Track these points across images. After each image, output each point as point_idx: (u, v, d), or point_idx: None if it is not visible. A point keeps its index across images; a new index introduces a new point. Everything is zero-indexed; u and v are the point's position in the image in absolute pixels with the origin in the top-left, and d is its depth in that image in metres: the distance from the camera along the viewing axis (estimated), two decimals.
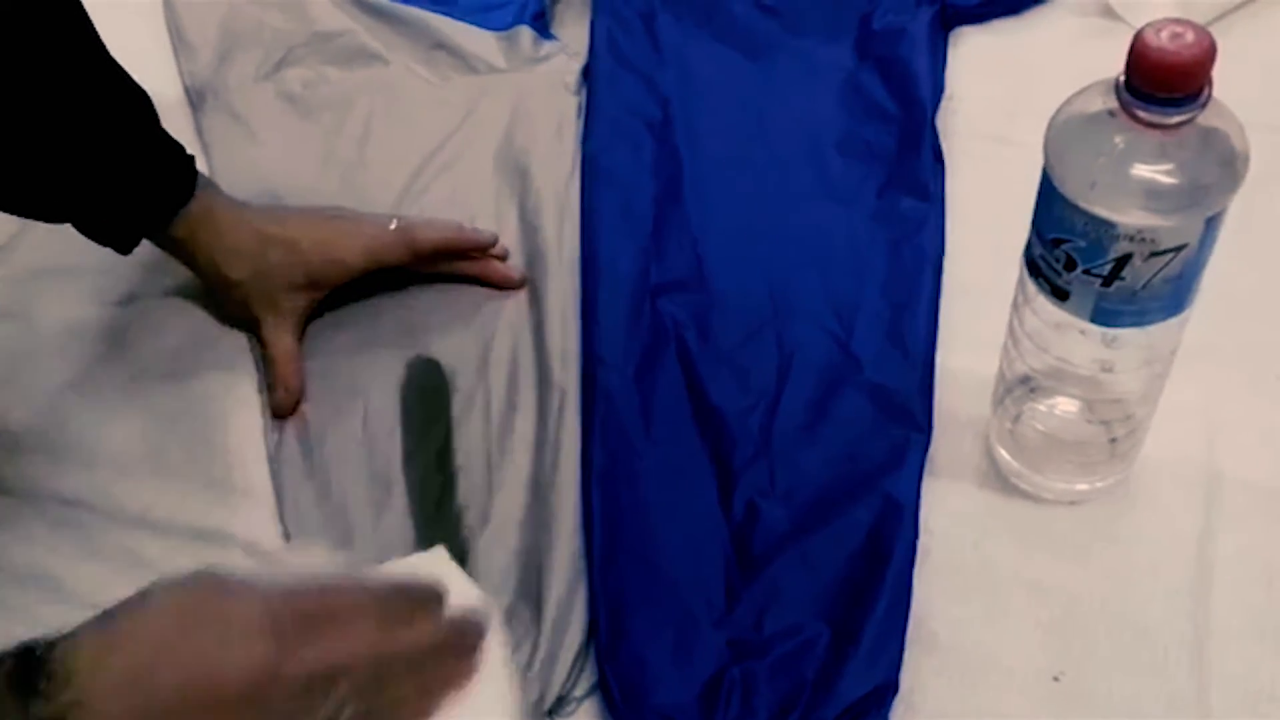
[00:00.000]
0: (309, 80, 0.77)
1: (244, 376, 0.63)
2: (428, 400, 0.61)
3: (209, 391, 0.63)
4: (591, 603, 0.53)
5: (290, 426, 0.61)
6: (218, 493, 0.58)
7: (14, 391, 0.63)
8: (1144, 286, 0.45)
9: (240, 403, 0.62)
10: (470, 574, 0.48)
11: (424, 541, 0.55)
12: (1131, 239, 0.43)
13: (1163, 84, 0.41)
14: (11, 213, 0.58)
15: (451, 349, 0.63)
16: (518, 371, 0.62)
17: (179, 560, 0.55)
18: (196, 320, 0.66)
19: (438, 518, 0.56)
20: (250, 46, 0.78)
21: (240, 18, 0.80)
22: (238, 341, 0.64)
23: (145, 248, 0.62)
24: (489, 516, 0.56)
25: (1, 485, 0.59)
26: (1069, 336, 0.49)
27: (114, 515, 0.58)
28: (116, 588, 0.54)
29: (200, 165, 0.71)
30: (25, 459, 0.60)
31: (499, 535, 0.55)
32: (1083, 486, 0.56)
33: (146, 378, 0.63)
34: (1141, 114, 0.42)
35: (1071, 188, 0.44)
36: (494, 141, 0.72)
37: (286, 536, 0.57)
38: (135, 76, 0.58)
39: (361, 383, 0.62)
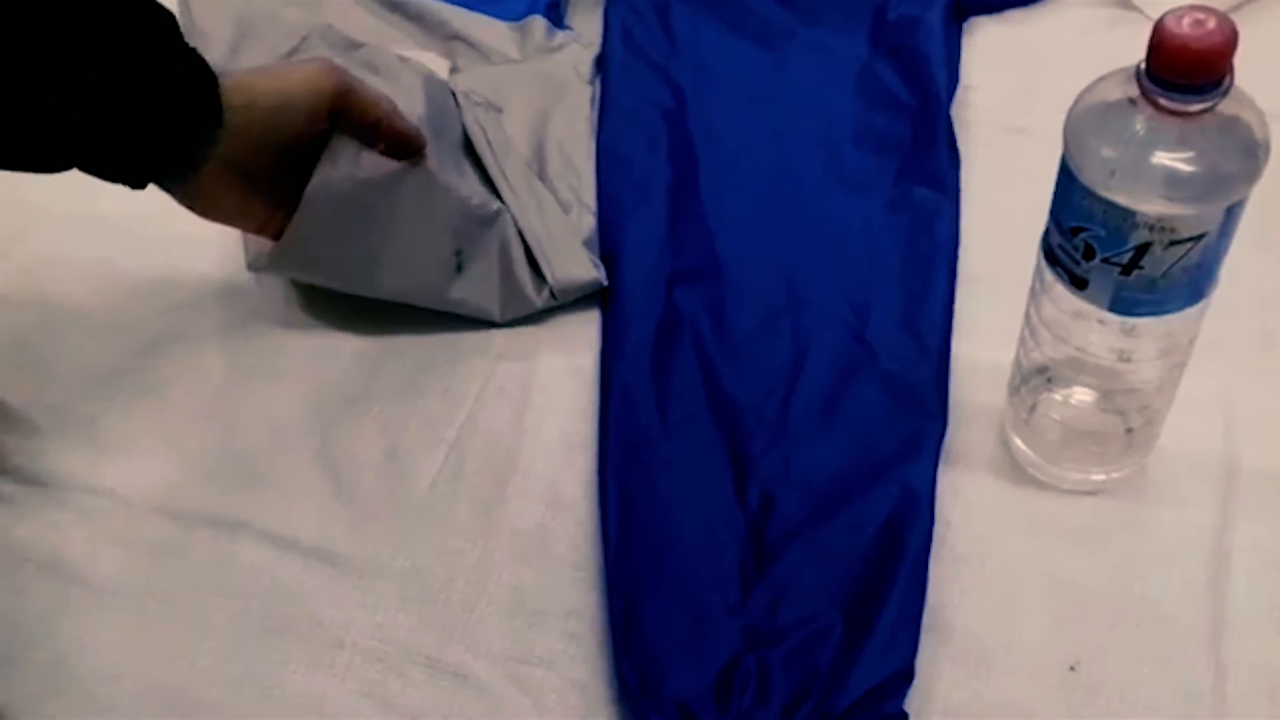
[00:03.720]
0: None
1: (258, 360, 0.63)
2: None
3: (225, 378, 0.63)
4: (607, 591, 0.53)
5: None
6: (233, 480, 0.59)
7: (33, 379, 0.63)
8: (1163, 275, 0.45)
9: (256, 389, 0.62)
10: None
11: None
12: (1151, 228, 0.43)
13: (1184, 71, 0.41)
14: (19, 158, 0.52)
15: None
16: None
17: (197, 547, 0.56)
18: (209, 306, 0.66)
19: None
20: (262, 37, 0.78)
21: (254, 9, 0.80)
22: (253, 326, 0.65)
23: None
24: None
25: (22, 473, 0.59)
26: (1087, 325, 0.49)
27: (133, 502, 0.58)
28: (136, 574, 0.55)
29: None
30: (45, 446, 0.60)
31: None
32: (1099, 477, 0.56)
33: (162, 366, 0.63)
34: (1162, 101, 0.42)
35: (1091, 176, 0.44)
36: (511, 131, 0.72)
37: None
38: None
39: None
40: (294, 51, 0.77)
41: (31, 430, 0.61)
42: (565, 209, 0.67)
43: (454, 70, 0.75)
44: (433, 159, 0.61)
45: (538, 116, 0.72)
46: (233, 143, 0.55)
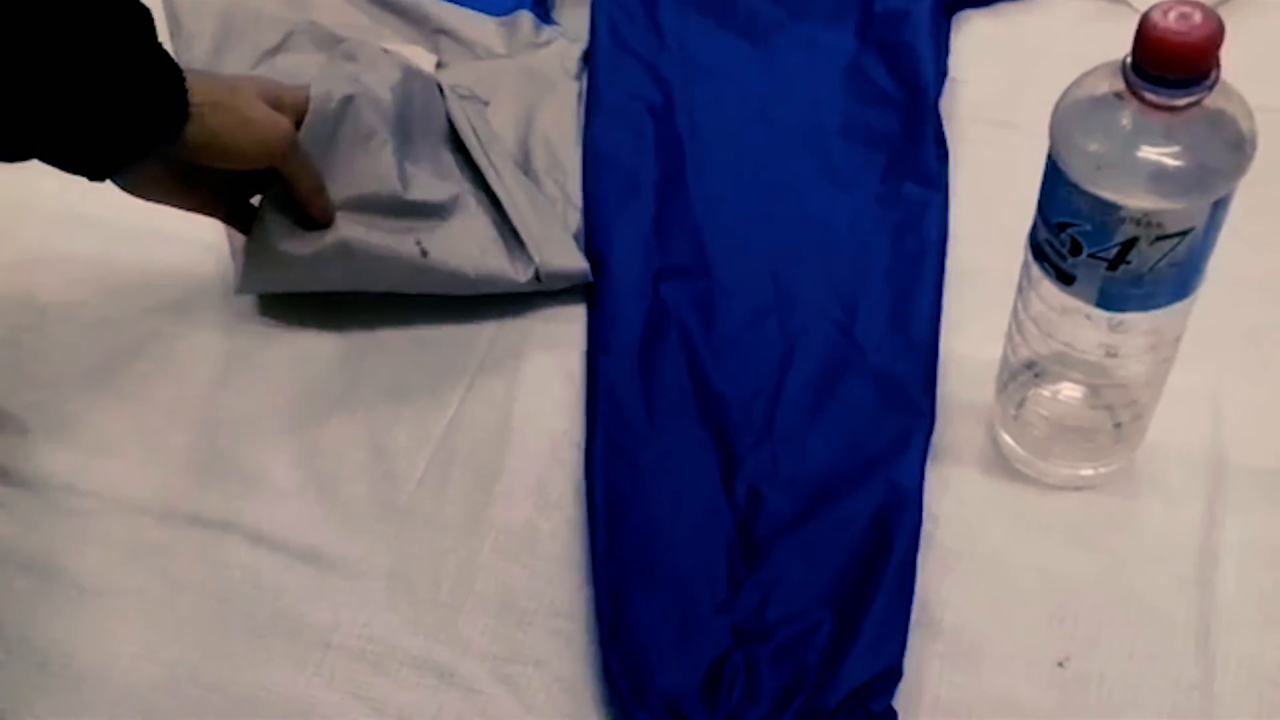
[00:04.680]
0: (304, 66, 0.76)
1: (244, 360, 0.63)
2: None
3: (210, 378, 0.63)
4: (594, 589, 0.53)
5: None
6: (219, 480, 0.58)
7: (20, 378, 0.63)
8: (1150, 270, 0.45)
9: (241, 389, 0.62)
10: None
11: None
12: (1138, 222, 0.43)
13: (1170, 65, 0.40)
14: None
15: None
16: None
17: (182, 547, 0.56)
18: (195, 306, 0.65)
19: None
20: (247, 35, 0.78)
21: (238, 6, 0.79)
22: (239, 326, 0.64)
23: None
24: None
25: (9, 474, 0.59)
26: (1074, 321, 0.49)
27: (119, 503, 0.57)
28: (122, 575, 0.55)
29: None
30: (32, 447, 0.60)
31: None
32: (1087, 472, 0.55)
33: (148, 365, 0.63)
34: (1148, 96, 0.41)
35: (1077, 170, 0.44)
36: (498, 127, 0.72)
37: None
38: None
39: None
40: (278, 48, 0.77)
41: (19, 430, 0.61)
42: (551, 204, 0.66)
43: (440, 66, 0.75)
44: (386, 144, 0.61)
45: (524, 112, 0.72)
46: (181, 146, 0.55)
